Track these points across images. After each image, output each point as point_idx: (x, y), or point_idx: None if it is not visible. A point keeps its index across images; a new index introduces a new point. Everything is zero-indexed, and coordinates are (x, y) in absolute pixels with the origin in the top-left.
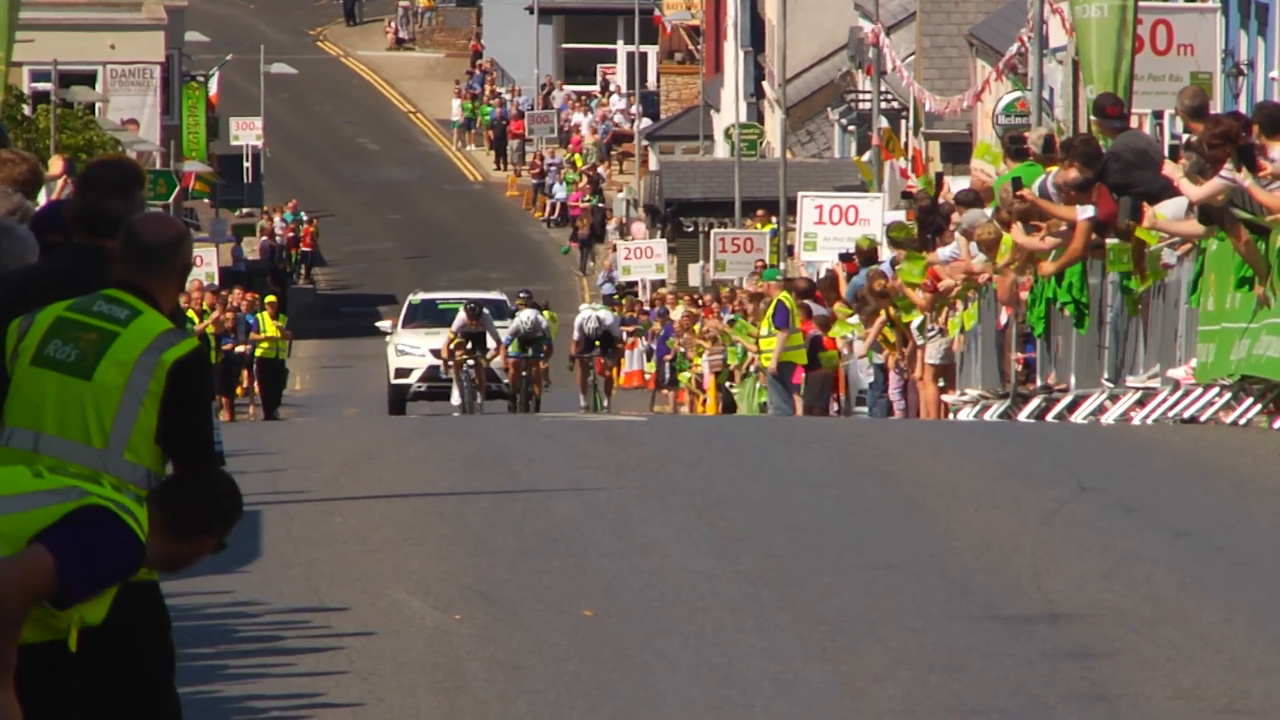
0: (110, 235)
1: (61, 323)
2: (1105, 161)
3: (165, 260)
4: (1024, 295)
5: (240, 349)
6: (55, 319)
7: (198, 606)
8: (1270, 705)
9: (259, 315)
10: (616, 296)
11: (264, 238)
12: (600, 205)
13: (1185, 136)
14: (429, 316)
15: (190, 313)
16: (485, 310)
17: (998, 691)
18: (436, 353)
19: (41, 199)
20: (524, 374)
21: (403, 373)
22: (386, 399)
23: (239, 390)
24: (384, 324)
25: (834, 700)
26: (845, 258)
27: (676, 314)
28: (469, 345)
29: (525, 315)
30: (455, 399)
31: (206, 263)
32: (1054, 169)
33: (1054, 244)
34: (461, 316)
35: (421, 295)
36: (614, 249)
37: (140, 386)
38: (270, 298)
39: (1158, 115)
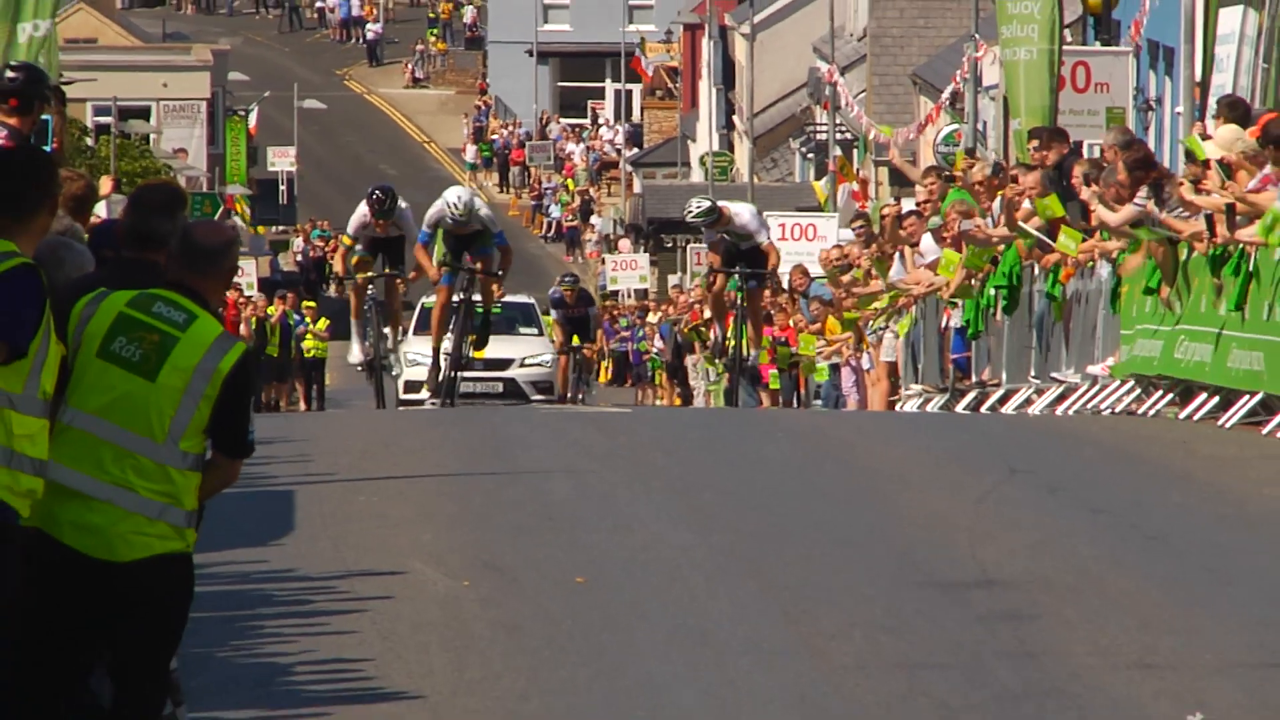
0: (157, 250)
1: (124, 320)
2: (1068, 160)
3: (216, 262)
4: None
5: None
6: (118, 314)
7: (238, 574)
8: (1176, 660)
9: (309, 321)
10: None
11: (306, 245)
12: (576, 226)
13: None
14: None
15: (238, 313)
16: (402, 204)
17: (939, 650)
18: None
19: (104, 214)
20: (465, 297)
21: (413, 386)
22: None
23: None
24: None
25: (796, 658)
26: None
27: (653, 318)
28: (376, 260)
29: (453, 194)
30: (355, 353)
31: (247, 273)
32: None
33: (1003, 235)
34: (362, 211)
35: (435, 298)
36: (603, 262)
37: (198, 390)
38: (309, 303)
39: (1078, 144)
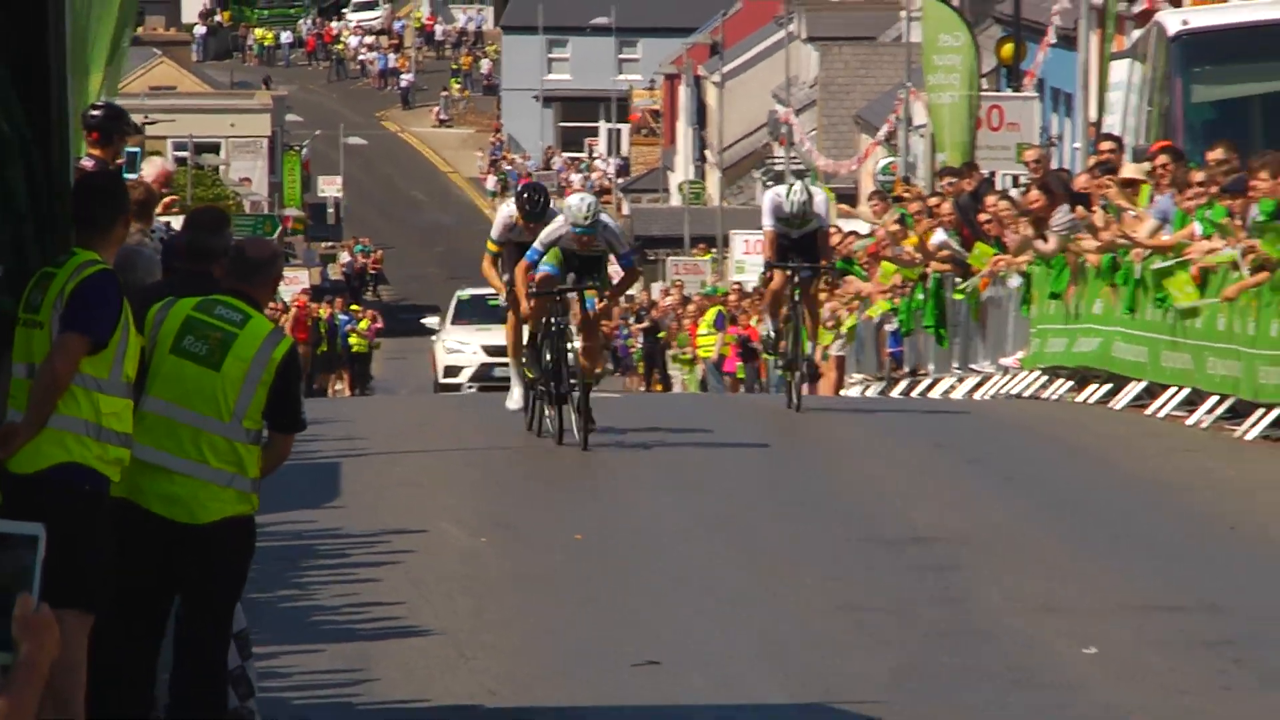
0: (209, 262)
1: (191, 322)
2: (981, 188)
3: (264, 272)
4: (897, 301)
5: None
6: (186, 317)
7: (293, 533)
8: (1077, 605)
9: (360, 321)
10: None
11: (350, 258)
12: None
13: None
14: (478, 313)
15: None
16: (551, 203)
17: (877, 594)
18: (489, 349)
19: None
20: (552, 321)
21: (451, 371)
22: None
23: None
24: (431, 320)
25: (758, 601)
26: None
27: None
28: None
29: (575, 201)
30: (515, 397)
31: (301, 281)
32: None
33: (916, 257)
34: (507, 214)
35: (470, 291)
36: None
37: (256, 377)
38: (355, 306)
39: (992, 175)
